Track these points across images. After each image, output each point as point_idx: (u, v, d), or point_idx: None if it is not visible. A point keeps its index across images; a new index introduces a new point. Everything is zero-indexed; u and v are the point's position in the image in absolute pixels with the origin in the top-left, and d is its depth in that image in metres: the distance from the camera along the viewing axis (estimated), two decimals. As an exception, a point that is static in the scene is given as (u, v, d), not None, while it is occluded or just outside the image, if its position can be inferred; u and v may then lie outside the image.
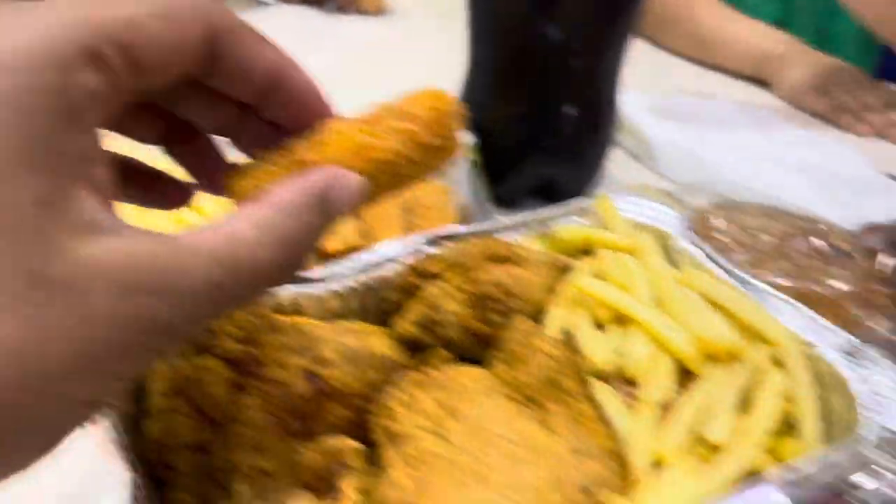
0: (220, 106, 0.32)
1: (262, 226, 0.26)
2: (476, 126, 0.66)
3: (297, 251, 0.27)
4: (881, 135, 0.89)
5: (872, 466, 0.36)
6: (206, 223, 0.26)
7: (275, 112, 0.31)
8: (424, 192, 0.60)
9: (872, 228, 0.68)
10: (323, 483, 0.36)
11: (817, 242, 0.53)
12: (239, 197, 0.30)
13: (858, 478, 0.35)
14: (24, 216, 0.21)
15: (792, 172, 0.76)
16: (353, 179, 0.29)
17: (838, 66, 0.96)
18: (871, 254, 0.60)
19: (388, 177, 0.30)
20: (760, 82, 1.01)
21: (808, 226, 0.56)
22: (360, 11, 1.18)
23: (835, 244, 0.54)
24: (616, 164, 0.78)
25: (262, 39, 0.29)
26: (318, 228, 0.28)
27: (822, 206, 0.66)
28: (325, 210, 0.28)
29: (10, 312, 0.21)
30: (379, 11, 1.19)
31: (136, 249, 0.23)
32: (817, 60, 0.96)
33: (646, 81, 0.99)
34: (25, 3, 0.23)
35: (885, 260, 0.59)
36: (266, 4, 1.18)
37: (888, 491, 0.34)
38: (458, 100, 0.32)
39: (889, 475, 0.35)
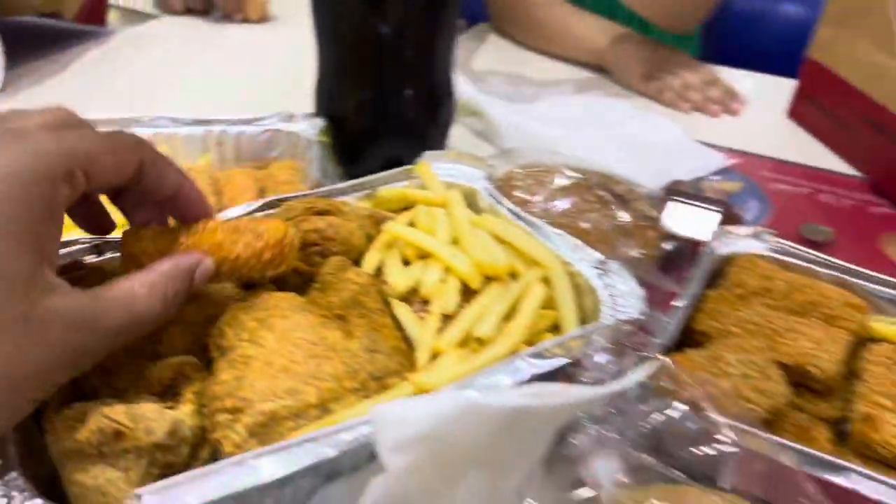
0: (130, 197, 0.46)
1: (150, 287, 0.41)
2: (327, 113, 0.76)
3: (170, 305, 0.42)
4: (700, 110, 1.03)
5: (600, 345, 0.46)
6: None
7: (172, 211, 0.46)
8: (279, 170, 0.69)
9: (674, 183, 0.81)
10: (169, 392, 0.44)
11: (601, 192, 0.65)
12: (130, 248, 0.45)
13: (588, 352, 0.46)
14: (19, 279, 0.34)
15: (615, 145, 0.88)
16: (208, 264, 0.44)
17: (663, 51, 1.09)
18: (661, 201, 0.72)
19: (231, 269, 0.45)
20: (600, 70, 1.13)
21: (598, 180, 0.67)
22: (245, 20, 1.26)
23: (617, 192, 0.65)
24: (464, 142, 0.89)
25: (172, 166, 0.43)
26: (183, 292, 0.43)
27: (640, 172, 0.78)
28: (189, 280, 0.43)
29: (8, 337, 0.33)
30: (262, 19, 1.27)
31: (77, 302, 0.36)
32: (645, 48, 1.09)
33: (498, 70, 1.11)
34: (15, 128, 0.36)
35: (668, 204, 0.71)
36: (153, 16, 1.25)
37: (602, 359, 0.45)
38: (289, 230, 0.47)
39: (611, 352, 0.46)
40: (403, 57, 0.73)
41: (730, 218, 0.69)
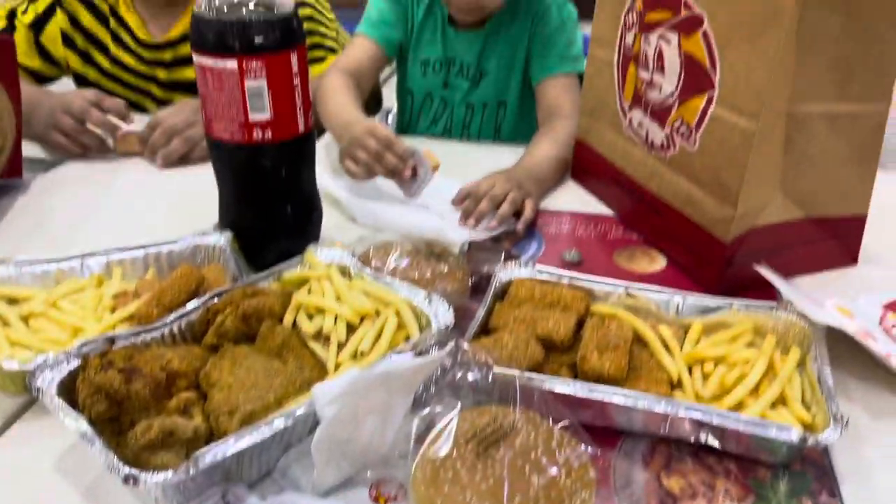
0: None
1: None
2: (231, 227, 1.07)
3: None
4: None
5: (430, 342, 0.81)
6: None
7: None
8: (208, 272, 0.99)
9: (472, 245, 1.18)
10: (184, 413, 0.74)
11: (424, 252, 1.01)
12: None
13: (423, 348, 0.80)
14: None
15: (437, 214, 1.23)
16: None
17: None
18: (467, 253, 1.09)
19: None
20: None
21: (422, 246, 1.03)
22: (126, 152, 1.52)
23: (436, 252, 1.02)
24: (331, 225, 1.21)
25: None
26: None
27: (452, 232, 1.15)
28: None
29: None
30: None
31: None
32: None
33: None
34: None
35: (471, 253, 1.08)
36: (58, 162, 1.49)
37: (432, 350, 0.79)
38: None
39: (433, 345, 0.81)
40: (282, 181, 1.06)
41: (510, 256, 1.07)
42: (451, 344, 0.75)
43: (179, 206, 1.28)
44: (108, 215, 1.30)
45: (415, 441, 0.72)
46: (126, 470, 0.63)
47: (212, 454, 0.65)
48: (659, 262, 1.15)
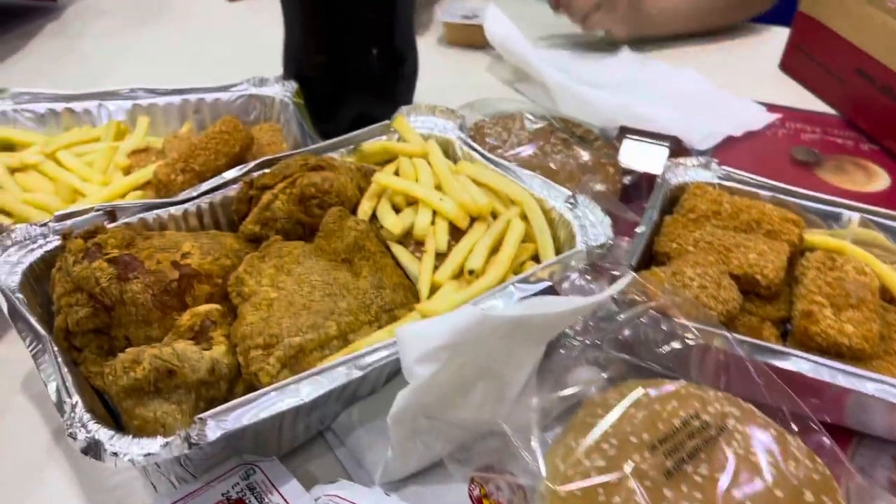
0: None
1: None
2: (296, 76, 0.79)
3: None
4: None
5: (577, 268, 0.53)
6: None
7: None
8: (260, 132, 0.73)
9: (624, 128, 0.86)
10: (200, 336, 0.49)
11: (563, 135, 0.71)
12: None
13: (567, 274, 0.52)
14: None
15: (662, 105, 0.89)
16: None
17: None
18: (617, 140, 0.78)
19: None
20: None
21: (559, 124, 0.73)
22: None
23: (578, 135, 0.71)
24: (430, 95, 0.91)
25: None
26: None
27: (691, 132, 0.82)
28: None
29: None
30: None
31: None
32: None
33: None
34: None
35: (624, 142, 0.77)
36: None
37: (580, 280, 0.51)
38: None
39: (587, 273, 0.53)
40: (364, 18, 0.76)
41: (678, 151, 0.76)
42: (627, 277, 0.46)
43: (240, 49, 1.00)
44: (149, 50, 1.03)
45: (541, 418, 0.45)
46: (83, 435, 0.39)
47: (229, 420, 0.40)
48: (881, 179, 0.82)
